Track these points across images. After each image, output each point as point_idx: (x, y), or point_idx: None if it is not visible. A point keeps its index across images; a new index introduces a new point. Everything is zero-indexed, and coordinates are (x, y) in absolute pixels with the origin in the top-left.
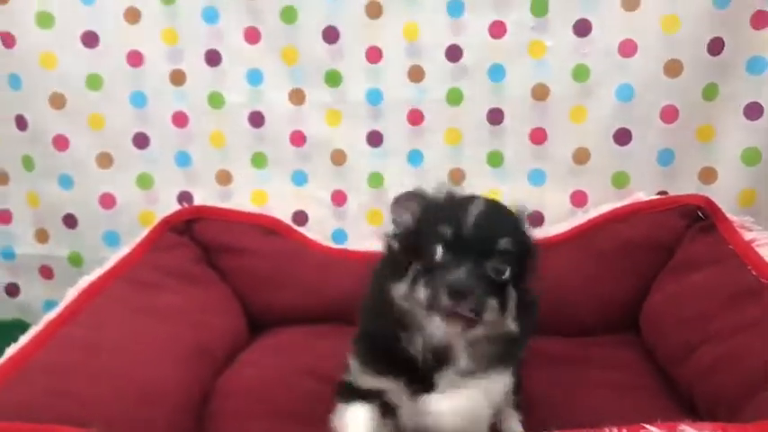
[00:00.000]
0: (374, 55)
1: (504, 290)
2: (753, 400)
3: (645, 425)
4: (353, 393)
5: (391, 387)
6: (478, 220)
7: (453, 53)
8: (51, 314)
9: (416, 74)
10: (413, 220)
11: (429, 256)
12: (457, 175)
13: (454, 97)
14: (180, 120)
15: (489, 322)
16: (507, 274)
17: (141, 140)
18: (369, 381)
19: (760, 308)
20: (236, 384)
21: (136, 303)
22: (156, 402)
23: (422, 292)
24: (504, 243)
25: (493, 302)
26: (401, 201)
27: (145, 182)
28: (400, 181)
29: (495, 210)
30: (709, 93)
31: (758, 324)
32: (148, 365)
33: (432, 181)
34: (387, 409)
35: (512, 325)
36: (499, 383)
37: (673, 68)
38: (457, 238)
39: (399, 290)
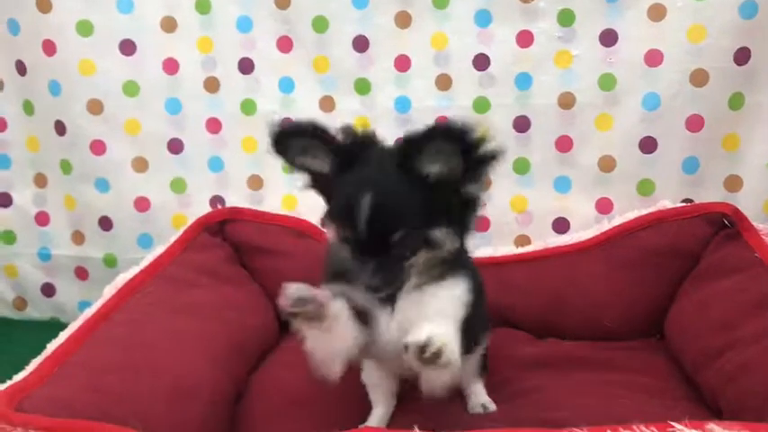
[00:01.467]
0: (403, 64)
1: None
2: None
3: (672, 423)
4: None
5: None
6: (371, 216)
7: (481, 62)
8: (88, 312)
9: (444, 82)
10: (323, 169)
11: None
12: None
13: (481, 105)
14: (213, 126)
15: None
16: (411, 256)
17: (176, 146)
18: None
19: None
20: (271, 385)
21: (172, 301)
22: (191, 400)
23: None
24: (397, 237)
25: (405, 270)
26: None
27: (178, 186)
28: None
29: (389, 193)
30: (735, 102)
31: None
32: (185, 363)
33: None
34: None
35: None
36: (456, 288)
37: (699, 78)
38: (356, 241)
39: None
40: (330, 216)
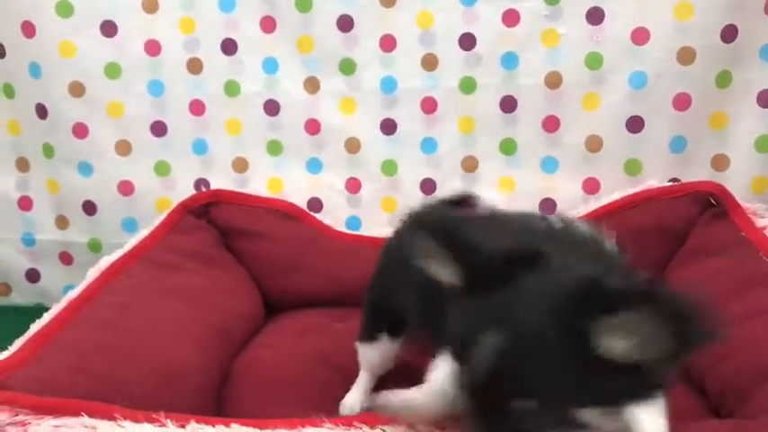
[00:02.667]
0: (388, 43)
1: None
2: (761, 388)
3: None
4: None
5: None
6: (487, 367)
7: (467, 41)
8: (72, 293)
9: (430, 62)
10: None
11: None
12: (470, 163)
13: (467, 85)
14: (197, 108)
15: None
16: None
17: (159, 128)
18: None
19: None
20: (254, 367)
21: (156, 284)
22: (177, 383)
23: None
24: (519, 406)
25: None
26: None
27: (162, 169)
28: (414, 169)
29: (524, 341)
30: (723, 80)
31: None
32: (170, 346)
33: (445, 169)
34: None
35: None
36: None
37: (686, 56)
38: (470, 388)
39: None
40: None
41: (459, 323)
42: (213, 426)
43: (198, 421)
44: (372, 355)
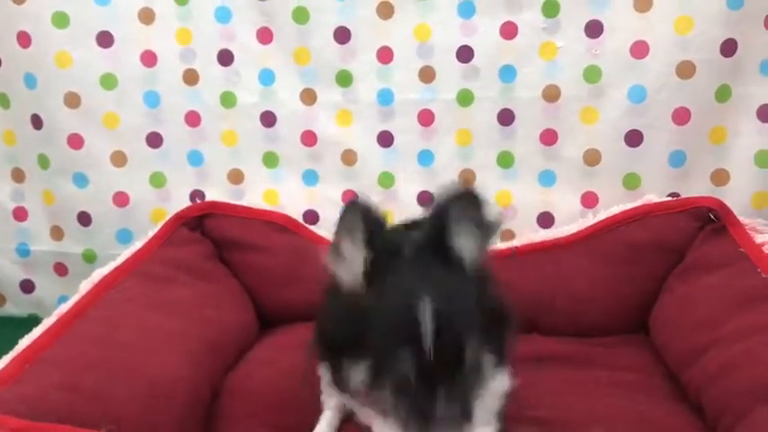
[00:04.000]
0: (385, 55)
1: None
2: (758, 407)
3: None
4: None
5: None
6: (437, 326)
7: (464, 54)
8: (63, 308)
9: (427, 75)
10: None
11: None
12: (467, 176)
13: (465, 98)
14: (193, 119)
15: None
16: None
17: (154, 139)
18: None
19: None
20: (246, 385)
21: (148, 298)
22: (166, 401)
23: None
24: (471, 354)
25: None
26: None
27: (158, 180)
28: (411, 181)
29: (448, 290)
30: (722, 94)
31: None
32: (160, 362)
33: (442, 181)
34: None
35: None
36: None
37: (685, 70)
38: (416, 367)
39: (356, 376)
40: (366, 350)
41: (379, 313)
42: None
43: None
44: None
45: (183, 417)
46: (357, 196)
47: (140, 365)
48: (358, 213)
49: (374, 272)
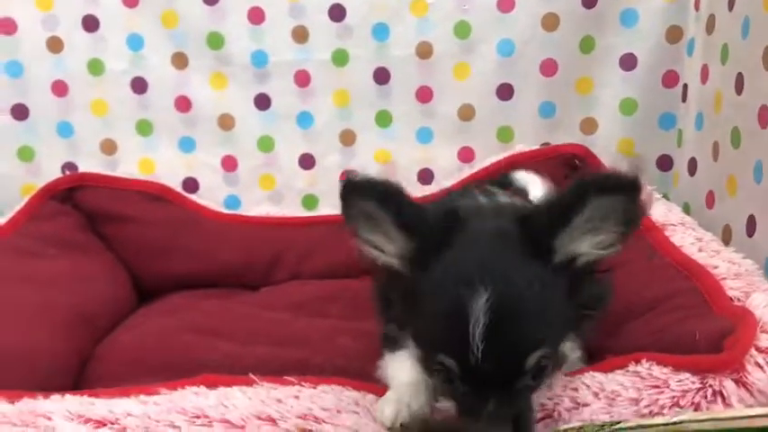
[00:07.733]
0: (256, 16)
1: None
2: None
3: None
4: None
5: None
6: (495, 330)
7: (337, 13)
8: None
9: (301, 34)
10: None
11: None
12: (347, 137)
13: (340, 58)
14: (59, 88)
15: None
16: (543, 384)
17: (20, 111)
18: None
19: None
20: (112, 349)
21: (11, 272)
22: (25, 369)
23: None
24: (532, 360)
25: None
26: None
27: (26, 154)
28: (291, 144)
29: (519, 291)
30: (586, 45)
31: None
32: (18, 332)
33: (323, 143)
34: None
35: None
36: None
37: (550, 22)
38: (466, 369)
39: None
40: (416, 335)
41: (430, 302)
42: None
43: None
44: None
45: (48, 385)
46: (355, 174)
47: None
48: (373, 197)
49: (425, 255)
